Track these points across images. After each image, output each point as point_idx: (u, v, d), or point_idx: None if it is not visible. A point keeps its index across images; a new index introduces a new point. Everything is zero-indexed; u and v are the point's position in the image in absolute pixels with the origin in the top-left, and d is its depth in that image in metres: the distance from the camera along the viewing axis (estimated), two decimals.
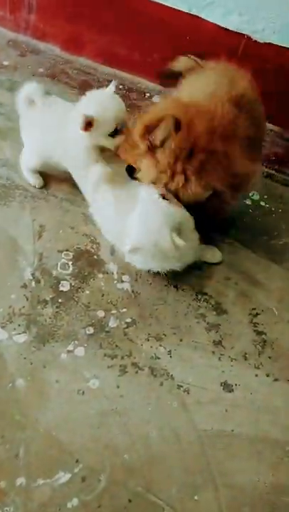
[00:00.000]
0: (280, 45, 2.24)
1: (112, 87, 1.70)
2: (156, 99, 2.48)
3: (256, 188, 2.12)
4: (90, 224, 1.87)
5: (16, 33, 2.54)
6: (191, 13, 2.27)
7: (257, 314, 1.77)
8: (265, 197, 2.10)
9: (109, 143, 1.69)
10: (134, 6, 2.31)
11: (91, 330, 1.61)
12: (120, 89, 2.45)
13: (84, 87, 2.36)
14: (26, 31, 2.54)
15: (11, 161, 2.00)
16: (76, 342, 1.58)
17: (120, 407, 1.48)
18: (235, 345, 1.68)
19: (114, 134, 1.67)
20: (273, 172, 2.22)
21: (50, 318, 1.61)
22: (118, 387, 1.51)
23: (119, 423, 1.44)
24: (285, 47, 2.24)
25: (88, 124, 1.61)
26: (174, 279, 1.80)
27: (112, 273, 1.77)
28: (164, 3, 2.27)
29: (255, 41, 2.28)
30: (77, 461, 1.36)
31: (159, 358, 1.60)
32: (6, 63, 2.39)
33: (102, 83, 2.42)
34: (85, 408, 1.45)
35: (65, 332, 1.59)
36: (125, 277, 1.77)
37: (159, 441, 1.43)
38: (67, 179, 1.93)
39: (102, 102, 1.67)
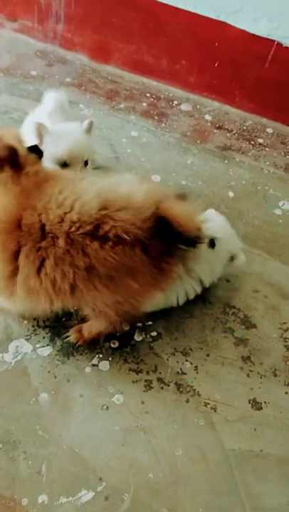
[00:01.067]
0: None
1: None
2: (184, 107, 2.45)
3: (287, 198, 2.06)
4: None
5: (44, 43, 2.55)
6: (220, 19, 2.24)
7: (287, 329, 1.71)
8: None
9: None
10: (161, 14, 2.29)
11: (116, 343, 1.58)
12: (147, 96, 2.43)
13: (111, 96, 2.36)
14: (54, 41, 2.55)
15: None
16: (100, 356, 1.55)
17: (145, 423, 1.44)
18: (265, 361, 1.62)
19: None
20: None
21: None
22: (143, 403, 1.48)
23: (144, 440, 1.41)
24: None
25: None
26: (202, 291, 1.75)
27: None
28: (191, 10, 2.24)
29: (286, 47, 2.23)
30: (100, 479, 1.33)
31: (185, 374, 1.55)
32: (33, 73, 2.40)
33: (130, 91, 2.41)
34: (109, 424, 1.42)
35: (90, 345, 1.56)
36: None
37: (184, 460, 1.39)
38: None
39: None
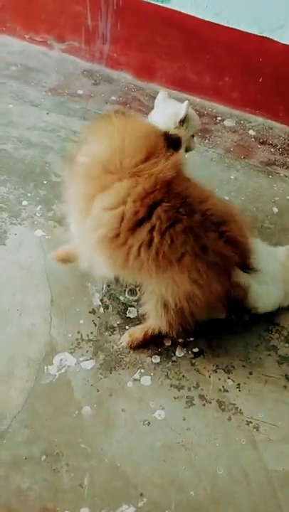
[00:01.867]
0: None
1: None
2: (227, 122, 2.46)
3: None
4: None
5: (91, 63, 2.62)
6: (263, 35, 2.24)
7: None
8: None
9: None
10: (203, 32, 2.31)
11: (158, 359, 1.59)
12: None
13: None
14: (100, 61, 2.61)
15: None
16: (142, 370, 1.56)
17: (186, 440, 1.43)
18: None
19: None
20: None
21: (117, 345, 1.60)
22: (184, 419, 1.47)
23: (186, 457, 1.40)
24: None
25: None
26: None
27: None
28: (234, 27, 2.26)
29: None
30: (141, 494, 1.33)
31: (227, 391, 1.54)
32: (80, 92, 2.47)
33: None
34: (150, 440, 1.42)
35: (132, 360, 1.58)
36: None
37: (226, 479, 1.37)
38: None
39: None
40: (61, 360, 1.55)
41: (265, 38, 2.26)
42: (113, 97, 2.47)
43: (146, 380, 1.54)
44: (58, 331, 1.61)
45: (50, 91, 2.46)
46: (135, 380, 1.54)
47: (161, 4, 2.29)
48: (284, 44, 2.25)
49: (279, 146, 2.38)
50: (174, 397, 1.51)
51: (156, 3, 2.29)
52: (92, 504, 1.31)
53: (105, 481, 1.34)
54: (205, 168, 2.21)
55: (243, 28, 2.27)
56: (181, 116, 1.64)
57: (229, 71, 2.43)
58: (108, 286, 1.74)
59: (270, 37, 2.25)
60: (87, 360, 1.56)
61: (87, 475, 1.35)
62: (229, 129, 2.43)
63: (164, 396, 1.51)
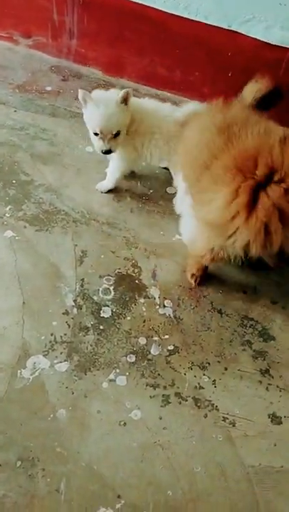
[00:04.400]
0: None
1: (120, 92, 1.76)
2: None
3: None
4: (132, 247, 1.85)
5: (59, 59, 2.58)
6: (231, 29, 2.23)
7: None
8: None
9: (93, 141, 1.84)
10: (172, 26, 2.29)
11: (133, 358, 1.58)
12: None
13: None
14: (68, 56, 2.57)
15: (53, 186, 2.01)
16: (117, 370, 1.54)
17: (163, 439, 1.43)
18: (284, 374, 1.60)
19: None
20: None
21: (91, 345, 1.58)
22: (161, 418, 1.47)
23: (163, 457, 1.40)
24: None
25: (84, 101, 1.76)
26: (218, 303, 1.74)
27: (154, 298, 1.73)
28: (203, 21, 2.24)
29: None
30: (119, 496, 1.32)
31: (203, 388, 1.54)
32: (48, 89, 2.43)
33: None
34: (127, 441, 1.41)
35: (107, 360, 1.56)
36: (167, 302, 1.73)
37: (204, 477, 1.37)
38: (107, 203, 1.94)
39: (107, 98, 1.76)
40: (35, 363, 1.53)
41: (234, 31, 2.24)
42: None
43: (121, 380, 1.53)
44: (30, 333, 1.58)
45: (18, 88, 2.41)
46: (110, 380, 1.52)
47: None
48: (252, 38, 2.24)
49: None
50: (150, 396, 1.51)
51: None
52: (69, 509, 1.29)
53: (82, 484, 1.33)
54: None
55: (212, 21, 2.25)
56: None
57: (199, 65, 2.41)
58: (81, 286, 1.72)
59: (239, 31, 2.24)
60: (61, 362, 1.54)
61: (64, 479, 1.33)
62: None
63: (139, 396, 1.50)
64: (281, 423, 1.49)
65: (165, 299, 1.74)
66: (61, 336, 1.60)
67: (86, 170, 2.09)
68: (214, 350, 1.63)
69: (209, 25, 2.26)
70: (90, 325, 1.63)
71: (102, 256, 1.81)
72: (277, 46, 2.22)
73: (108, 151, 1.78)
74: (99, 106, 1.72)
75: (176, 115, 1.84)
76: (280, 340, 1.68)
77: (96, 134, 1.77)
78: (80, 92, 1.72)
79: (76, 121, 2.27)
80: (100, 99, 1.74)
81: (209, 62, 2.37)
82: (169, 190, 2.07)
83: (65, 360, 1.54)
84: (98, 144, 1.79)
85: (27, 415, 1.42)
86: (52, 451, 1.37)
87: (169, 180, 2.08)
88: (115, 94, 1.76)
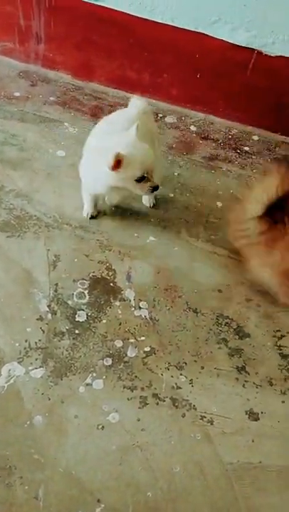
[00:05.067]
0: None
1: (134, 128, 1.61)
2: (169, 119, 2.46)
3: None
4: (106, 250, 1.85)
5: (27, 64, 2.56)
6: (198, 31, 2.25)
7: (282, 336, 1.71)
8: None
9: (135, 188, 1.66)
10: (140, 29, 2.30)
11: (109, 361, 1.57)
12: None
13: (96, 113, 2.37)
14: (36, 61, 2.55)
15: (24, 191, 1.99)
16: (94, 374, 1.54)
17: (142, 441, 1.43)
18: (260, 371, 1.61)
19: (140, 180, 1.63)
20: None
21: (66, 350, 1.57)
22: (139, 420, 1.47)
23: (141, 458, 1.39)
24: None
25: (118, 163, 1.55)
26: (194, 302, 1.75)
27: (129, 300, 1.73)
28: (170, 23, 2.26)
29: (266, 55, 2.24)
30: (98, 500, 1.31)
31: (180, 388, 1.54)
32: (17, 94, 2.41)
33: (114, 107, 2.42)
34: (105, 444, 1.41)
35: (83, 364, 1.55)
36: (143, 304, 1.73)
37: (183, 476, 1.37)
38: (80, 207, 1.93)
39: (133, 143, 1.60)
40: (9, 370, 1.51)
41: (201, 33, 2.27)
42: (51, 98, 2.42)
43: (98, 384, 1.52)
44: (4, 340, 1.57)
45: None
46: (87, 384, 1.52)
47: (94, 2, 2.26)
48: (219, 39, 2.26)
49: (220, 140, 2.41)
50: (128, 399, 1.50)
51: (89, 1, 2.26)
52: None
53: (60, 490, 1.32)
54: None
55: (179, 24, 2.27)
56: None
57: (167, 68, 2.43)
58: (55, 291, 1.71)
59: (205, 32, 2.26)
60: (36, 368, 1.53)
61: (42, 486, 1.32)
62: (171, 126, 2.43)
63: (117, 398, 1.50)
64: (258, 419, 1.51)
65: (140, 300, 1.74)
66: (36, 342, 1.58)
67: (57, 174, 2.08)
68: (190, 349, 1.64)
69: (176, 27, 2.28)
70: (65, 330, 1.62)
71: (76, 260, 1.81)
72: (244, 47, 2.25)
73: (157, 187, 1.68)
74: (138, 148, 1.60)
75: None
76: (255, 337, 1.69)
77: (141, 179, 1.63)
78: (113, 156, 1.53)
79: (46, 126, 2.26)
80: (133, 143, 1.60)
81: (177, 65, 2.39)
82: None
83: (40, 367, 1.53)
84: (146, 186, 1.65)
85: (3, 423, 1.41)
86: (29, 459, 1.36)
87: None
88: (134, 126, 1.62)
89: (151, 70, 2.44)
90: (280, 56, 2.23)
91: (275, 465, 1.42)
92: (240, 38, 2.23)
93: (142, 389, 1.53)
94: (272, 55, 2.24)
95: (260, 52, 2.25)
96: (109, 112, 2.29)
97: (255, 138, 2.45)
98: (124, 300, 1.73)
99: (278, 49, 2.21)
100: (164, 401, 1.51)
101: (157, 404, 1.50)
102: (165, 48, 2.35)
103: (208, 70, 2.37)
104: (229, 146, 2.39)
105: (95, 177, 1.71)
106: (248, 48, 2.25)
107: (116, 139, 1.63)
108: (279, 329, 1.72)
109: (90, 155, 1.75)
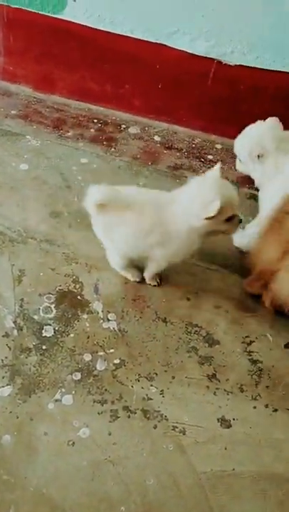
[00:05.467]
0: (251, 66, 2.24)
1: (217, 170, 1.56)
2: (132, 130, 2.47)
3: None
4: (72, 263, 1.83)
5: None
6: (158, 42, 2.28)
7: (251, 342, 1.71)
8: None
9: (226, 228, 1.58)
10: (100, 41, 2.31)
11: (78, 375, 1.55)
12: (95, 122, 2.44)
13: (58, 125, 2.36)
14: None
15: None
16: (63, 390, 1.51)
17: (113, 455, 1.40)
18: (230, 377, 1.61)
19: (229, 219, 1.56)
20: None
21: (34, 366, 1.54)
22: (110, 434, 1.44)
23: (114, 473, 1.37)
24: (256, 67, 2.24)
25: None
26: (162, 312, 1.75)
27: (97, 312, 1.72)
28: (129, 35, 2.27)
29: (226, 64, 2.28)
30: None
31: (151, 399, 1.53)
32: None
33: (77, 119, 2.42)
34: (76, 460, 1.38)
35: (51, 380, 1.53)
36: (111, 315, 1.71)
37: (156, 488, 1.36)
38: (44, 220, 1.91)
39: (224, 188, 1.54)
40: None
41: (160, 44, 2.29)
42: (13, 111, 2.41)
43: (67, 400, 1.50)
44: None
45: None
46: (56, 400, 1.49)
47: (53, 15, 2.26)
48: (179, 50, 2.29)
49: (184, 150, 2.43)
50: (98, 413, 1.48)
51: (47, 14, 2.26)
52: None
53: (31, 510, 1.28)
54: (113, 177, 2.20)
55: (138, 35, 2.29)
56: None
57: (129, 79, 2.44)
58: (21, 306, 1.68)
59: (165, 43, 2.29)
60: (3, 386, 1.49)
61: (12, 507, 1.28)
62: (134, 137, 2.44)
63: (87, 413, 1.47)
64: (230, 426, 1.50)
65: (109, 312, 1.73)
66: (2, 360, 1.55)
67: (20, 187, 2.06)
68: (161, 359, 1.63)
69: (136, 39, 2.29)
70: (31, 346, 1.59)
71: (42, 274, 1.78)
72: (204, 57, 2.28)
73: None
74: (227, 187, 1.54)
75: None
76: (224, 344, 1.70)
77: (230, 218, 1.56)
78: (215, 205, 1.46)
79: (8, 140, 2.24)
80: (222, 185, 1.55)
81: (139, 75, 2.41)
82: None
83: (7, 385, 1.50)
84: (235, 221, 1.58)
85: None
86: None
87: None
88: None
89: (112, 82, 2.45)
90: (240, 65, 2.26)
91: (248, 471, 1.42)
92: (199, 48, 2.26)
93: (113, 402, 1.51)
94: (231, 64, 2.27)
95: (219, 62, 2.28)
96: (73, 124, 2.31)
97: (219, 146, 2.48)
98: (92, 312, 1.71)
99: (237, 58, 2.25)
100: (135, 413, 1.49)
101: (128, 417, 1.49)
102: (126, 59, 2.37)
103: (169, 80, 2.39)
104: (193, 155, 2.41)
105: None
106: (208, 57, 2.28)
107: (198, 185, 1.57)
108: (248, 335, 1.73)
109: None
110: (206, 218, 1.49)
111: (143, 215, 1.58)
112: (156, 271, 1.77)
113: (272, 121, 1.96)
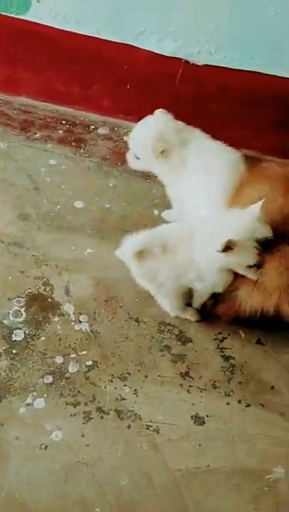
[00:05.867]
0: (218, 65, 2.25)
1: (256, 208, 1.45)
2: (101, 131, 2.46)
3: None
4: (42, 265, 1.81)
5: None
6: (125, 42, 2.27)
7: (223, 339, 1.72)
8: None
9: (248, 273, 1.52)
10: (66, 42, 2.30)
11: (50, 378, 1.54)
12: (63, 123, 2.42)
13: (26, 127, 2.34)
14: None
15: None
16: (35, 393, 1.50)
17: (87, 457, 1.40)
18: (204, 375, 1.62)
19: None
20: None
21: (4, 371, 1.52)
22: (83, 435, 1.43)
23: (87, 475, 1.36)
24: (223, 67, 2.25)
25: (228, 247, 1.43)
26: (135, 312, 1.74)
27: (69, 314, 1.70)
28: (96, 35, 2.26)
29: (193, 64, 2.28)
30: None
31: (124, 399, 1.52)
32: None
33: (45, 120, 2.40)
34: (48, 463, 1.37)
35: (22, 384, 1.51)
36: (83, 317, 1.70)
37: (131, 488, 1.35)
38: (12, 222, 1.89)
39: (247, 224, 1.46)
40: None
41: (127, 45, 2.28)
42: None
43: (39, 403, 1.48)
44: None
45: None
46: (28, 404, 1.47)
47: (16, 16, 2.24)
48: (147, 50, 2.29)
49: None
50: (71, 415, 1.47)
51: (10, 15, 2.23)
52: None
53: None
54: (83, 178, 2.19)
55: (105, 36, 2.28)
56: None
57: (97, 80, 2.43)
58: None
59: (132, 44, 2.28)
60: None
61: None
62: (103, 137, 2.43)
63: (59, 416, 1.46)
64: (204, 423, 1.51)
65: (80, 314, 1.71)
66: None
67: None
68: (133, 359, 1.63)
69: (103, 39, 2.28)
70: (1, 350, 1.57)
71: (10, 277, 1.76)
72: (171, 57, 2.28)
73: None
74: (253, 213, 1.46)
75: None
76: (197, 342, 1.70)
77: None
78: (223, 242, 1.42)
79: None
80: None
81: (107, 76, 2.40)
82: (76, 204, 2.05)
83: None
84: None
85: None
86: None
87: (76, 195, 2.07)
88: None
89: (80, 82, 2.44)
90: (207, 65, 2.28)
91: (223, 467, 1.42)
92: (166, 49, 2.26)
93: (86, 404, 1.50)
94: (199, 64, 2.28)
95: (187, 62, 2.29)
96: (40, 125, 2.29)
97: None
98: (64, 315, 1.70)
99: (204, 58, 2.26)
100: (109, 414, 1.49)
101: (102, 417, 1.48)
102: (93, 59, 2.35)
103: (137, 80, 2.39)
104: None
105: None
106: (176, 57, 2.28)
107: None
108: (220, 331, 1.74)
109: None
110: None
111: (178, 254, 1.53)
112: (201, 302, 1.73)
113: (164, 114, 1.91)
